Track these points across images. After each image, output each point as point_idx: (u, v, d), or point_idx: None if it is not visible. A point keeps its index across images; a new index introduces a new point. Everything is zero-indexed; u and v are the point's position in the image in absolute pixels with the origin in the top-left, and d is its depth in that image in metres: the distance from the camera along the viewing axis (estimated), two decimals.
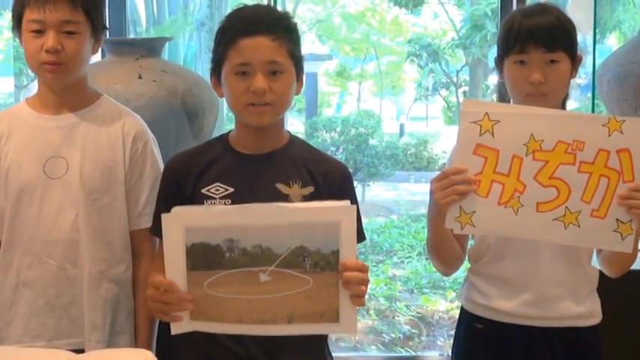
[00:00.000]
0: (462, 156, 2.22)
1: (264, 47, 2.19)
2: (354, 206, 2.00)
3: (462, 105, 2.31)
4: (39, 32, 2.36)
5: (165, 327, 2.22)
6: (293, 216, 1.99)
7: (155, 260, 2.29)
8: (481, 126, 2.18)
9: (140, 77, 3.42)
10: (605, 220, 2.17)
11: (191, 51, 10.97)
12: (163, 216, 2.00)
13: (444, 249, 2.45)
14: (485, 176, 2.19)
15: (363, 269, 2.02)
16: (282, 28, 2.23)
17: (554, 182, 2.17)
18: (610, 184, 2.15)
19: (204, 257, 1.98)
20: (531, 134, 2.16)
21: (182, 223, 1.97)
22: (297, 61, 2.27)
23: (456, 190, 2.19)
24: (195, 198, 2.27)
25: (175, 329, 2.08)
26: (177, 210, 2.01)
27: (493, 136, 2.17)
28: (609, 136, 2.14)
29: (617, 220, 2.16)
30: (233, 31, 2.22)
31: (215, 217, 2.03)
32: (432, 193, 2.28)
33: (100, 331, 2.48)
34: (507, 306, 2.44)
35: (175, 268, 2.00)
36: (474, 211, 2.20)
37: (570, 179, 2.17)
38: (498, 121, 2.17)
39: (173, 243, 1.98)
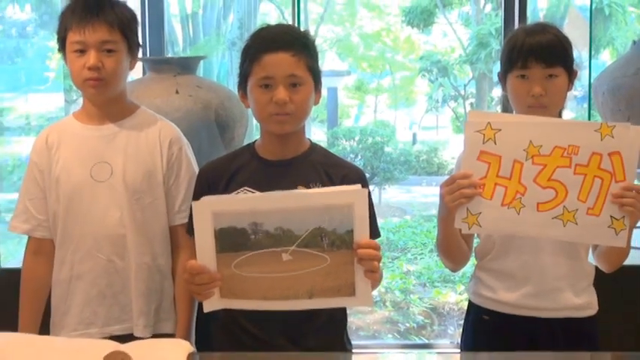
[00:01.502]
0: (468, 162, 2.22)
1: (285, 62, 2.20)
2: (366, 190, 2.00)
3: (467, 116, 2.30)
4: (81, 52, 2.39)
5: (203, 318, 2.23)
6: (311, 200, 2.00)
7: (193, 254, 2.29)
8: (484, 134, 2.18)
9: (177, 92, 3.43)
10: (600, 217, 2.16)
11: (223, 68, 11.00)
12: (194, 203, 2.01)
13: (452, 247, 2.44)
14: (489, 180, 2.18)
15: (376, 247, 2.02)
16: (300, 45, 2.24)
17: (552, 184, 2.16)
18: (603, 184, 2.14)
19: (231, 240, 1.99)
20: (530, 141, 2.15)
21: (210, 209, 1.98)
22: (315, 74, 2.27)
23: (463, 194, 2.19)
24: None
25: (207, 307, 2.09)
26: (205, 198, 2.02)
27: (495, 143, 2.17)
28: (601, 140, 2.14)
29: (611, 216, 2.15)
30: (257, 48, 2.24)
31: (240, 203, 2.04)
32: (441, 196, 2.28)
33: (147, 317, 2.52)
34: (511, 298, 2.44)
35: (205, 250, 2.01)
36: (480, 212, 2.20)
37: (567, 181, 2.16)
38: (500, 130, 2.17)
39: (203, 227, 1.99)
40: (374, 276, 2.03)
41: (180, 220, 2.52)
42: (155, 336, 2.48)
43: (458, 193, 2.20)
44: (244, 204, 2.01)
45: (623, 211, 2.16)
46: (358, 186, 2.02)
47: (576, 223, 2.16)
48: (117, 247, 2.49)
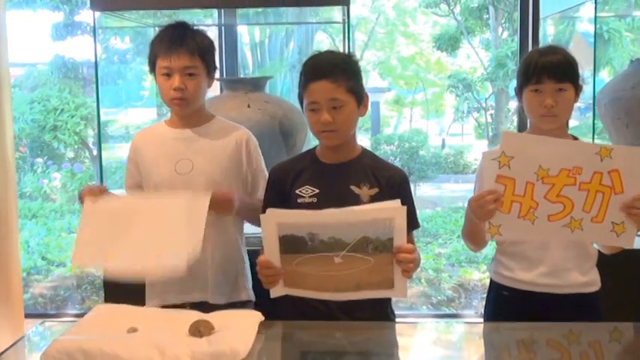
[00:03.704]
0: (488, 184, 2.19)
1: (326, 89, 2.19)
2: (404, 207, 1.97)
3: (501, 136, 2.25)
4: (168, 75, 2.41)
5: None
6: (358, 215, 1.99)
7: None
8: (499, 162, 2.15)
9: (249, 106, 3.45)
10: (603, 224, 2.12)
11: (286, 86, 11.04)
12: (261, 216, 2.02)
13: (475, 237, 2.43)
14: (506, 198, 2.15)
15: (412, 251, 2.01)
16: (340, 71, 2.22)
17: (560, 199, 2.13)
18: (605, 196, 2.11)
19: (292, 245, 2.00)
20: (539, 165, 2.12)
21: (275, 220, 1.99)
22: (356, 93, 2.24)
23: (489, 210, 2.17)
24: (291, 196, 2.30)
25: (273, 294, 2.11)
26: (271, 210, 2.02)
27: (509, 168, 2.14)
28: (601, 161, 2.10)
29: (612, 222, 2.11)
30: (305, 77, 2.25)
31: (299, 217, 2.04)
32: (470, 205, 2.25)
33: (221, 288, 2.53)
34: (527, 277, 2.41)
35: (272, 251, 2.02)
36: (500, 225, 2.18)
37: (573, 196, 2.12)
38: (513, 157, 2.14)
39: (269, 234, 2.00)
40: (409, 274, 2.04)
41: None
42: (230, 303, 2.49)
43: (486, 210, 2.17)
44: (303, 218, 2.02)
45: (632, 219, 2.13)
46: (398, 202, 1.99)
47: (582, 230, 2.13)
48: None
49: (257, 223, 2.44)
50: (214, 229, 2.48)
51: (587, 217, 2.13)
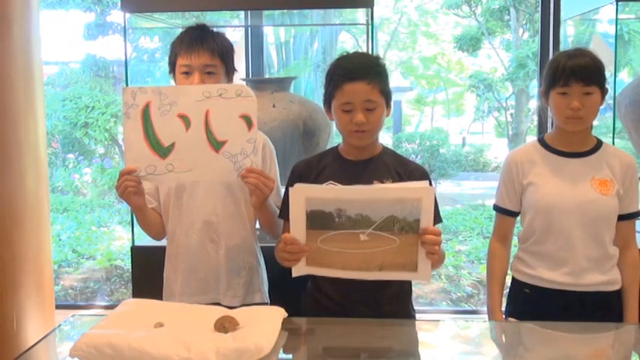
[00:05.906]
0: None
1: (362, 90, 2.16)
2: (432, 187, 1.97)
3: None
4: (187, 74, 2.39)
5: (294, 289, 2.21)
6: (387, 193, 1.96)
7: (284, 231, 2.26)
8: None
9: (274, 106, 3.43)
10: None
11: (310, 86, 11.03)
12: (290, 189, 1.99)
13: None
14: None
15: (437, 233, 1.98)
16: (374, 73, 2.19)
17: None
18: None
19: (319, 220, 1.97)
20: None
21: (304, 195, 1.97)
22: (387, 95, 2.23)
23: None
24: None
25: (295, 272, 2.08)
26: (300, 185, 2.01)
27: None
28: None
29: None
30: (339, 77, 2.20)
31: (329, 192, 2.01)
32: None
33: (235, 290, 2.49)
34: (550, 276, 2.40)
35: (298, 226, 2.00)
36: None
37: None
38: None
39: (297, 208, 1.98)
40: (434, 257, 2.00)
41: None
42: (244, 306, 2.44)
43: None
44: (332, 193, 2.00)
45: None
46: (426, 183, 1.99)
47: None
48: (210, 231, 2.48)
49: (268, 227, 2.43)
50: (227, 230, 2.47)
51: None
